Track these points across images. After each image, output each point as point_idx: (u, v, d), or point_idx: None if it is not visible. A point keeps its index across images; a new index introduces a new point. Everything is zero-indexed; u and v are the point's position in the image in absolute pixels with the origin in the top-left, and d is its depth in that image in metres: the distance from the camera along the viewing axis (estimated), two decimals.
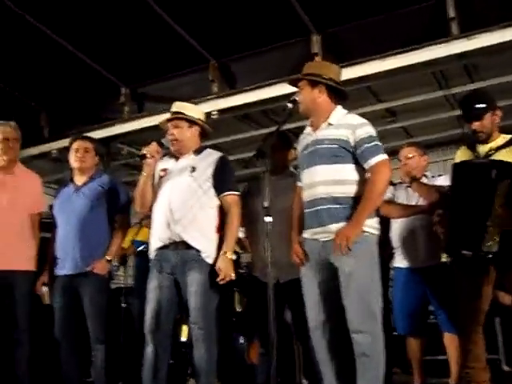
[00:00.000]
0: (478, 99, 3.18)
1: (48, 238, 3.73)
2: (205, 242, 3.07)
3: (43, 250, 3.70)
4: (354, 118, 2.83)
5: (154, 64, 5.05)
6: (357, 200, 2.74)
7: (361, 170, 2.81)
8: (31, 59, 5.01)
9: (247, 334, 5.06)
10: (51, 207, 3.77)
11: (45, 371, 4.03)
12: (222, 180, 3.16)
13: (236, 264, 6.03)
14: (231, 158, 6.55)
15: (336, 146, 2.78)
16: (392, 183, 3.85)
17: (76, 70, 5.12)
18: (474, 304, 3.04)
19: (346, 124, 2.81)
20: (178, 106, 3.32)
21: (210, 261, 3.03)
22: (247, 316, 5.28)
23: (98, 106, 5.60)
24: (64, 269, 3.51)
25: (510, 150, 3.04)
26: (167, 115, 3.57)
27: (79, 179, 3.69)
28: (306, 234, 2.90)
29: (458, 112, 5.44)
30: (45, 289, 3.59)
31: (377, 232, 2.83)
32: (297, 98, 2.84)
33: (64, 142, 5.34)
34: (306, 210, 2.88)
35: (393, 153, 3.95)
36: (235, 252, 5.76)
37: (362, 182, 2.78)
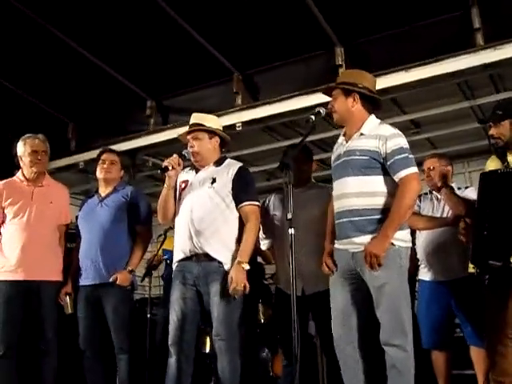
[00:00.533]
0: (501, 106, 3.17)
1: (72, 247, 3.80)
2: (227, 254, 3.08)
3: (67, 260, 3.76)
4: (387, 129, 2.82)
5: (178, 76, 5.10)
6: (385, 212, 2.74)
7: (390, 181, 2.79)
8: (59, 72, 5.10)
9: (271, 345, 5.05)
10: (77, 218, 3.83)
11: (70, 382, 4.06)
12: (241, 190, 3.17)
13: (260, 275, 6.07)
14: (254, 169, 6.57)
15: (367, 157, 2.78)
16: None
17: (102, 82, 5.20)
18: (501, 316, 2.99)
19: (377, 135, 2.80)
20: (196, 118, 3.34)
21: None
22: (271, 328, 5.27)
23: (124, 119, 5.66)
24: (87, 279, 3.57)
25: None
26: None
27: (104, 190, 3.76)
28: (337, 245, 2.91)
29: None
30: (67, 299, 3.64)
31: (406, 244, 2.81)
32: (321, 110, 2.84)
33: (91, 154, 5.42)
34: (336, 221, 2.89)
35: (418, 164, 3.92)
36: (258, 263, 5.79)
37: (392, 194, 2.76)
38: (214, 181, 3.17)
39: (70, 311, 3.62)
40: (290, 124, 5.34)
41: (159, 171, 3.20)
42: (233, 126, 4.94)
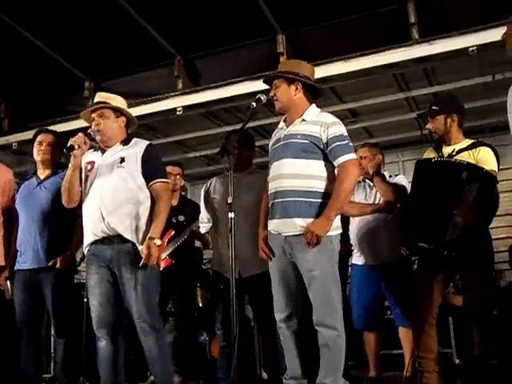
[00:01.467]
0: (436, 101, 3.39)
1: None
2: (140, 234, 3.04)
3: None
4: (328, 117, 2.90)
5: (118, 58, 5.00)
6: (323, 196, 2.81)
7: (330, 166, 2.87)
8: None
9: (209, 329, 5.10)
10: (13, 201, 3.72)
11: (4, 366, 3.97)
12: (151, 168, 3.13)
13: (199, 260, 6.09)
14: (195, 154, 6.59)
15: (307, 141, 2.83)
16: None
17: (39, 62, 5.02)
18: (427, 296, 3.17)
19: (319, 121, 2.86)
20: (102, 97, 3.24)
21: None
22: (209, 311, 5.32)
23: (62, 99, 5.50)
24: (25, 263, 3.49)
25: (471, 152, 3.19)
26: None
27: (42, 172, 3.66)
28: (270, 227, 2.95)
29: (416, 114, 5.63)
30: (8, 283, 3.55)
31: (336, 231, 2.90)
32: (262, 97, 2.89)
33: (25, 135, 5.26)
34: (271, 202, 2.93)
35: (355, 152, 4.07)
36: (197, 248, 5.81)
37: (330, 179, 2.84)
38: (122, 160, 3.09)
39: (10, 296, 3.54)
40: (230, 109, 5.37)
41: (65, 150, 3.06)
42: (173, 110, 4.92)
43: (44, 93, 5.50)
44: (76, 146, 3.01)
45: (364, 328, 3.90)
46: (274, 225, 2.92)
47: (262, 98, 2.90)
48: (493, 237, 3.28)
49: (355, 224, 3.89)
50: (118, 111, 3.20)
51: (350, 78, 4.48)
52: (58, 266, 3.42)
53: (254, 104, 2.85)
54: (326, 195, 2.81)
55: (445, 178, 3.09)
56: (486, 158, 3.16)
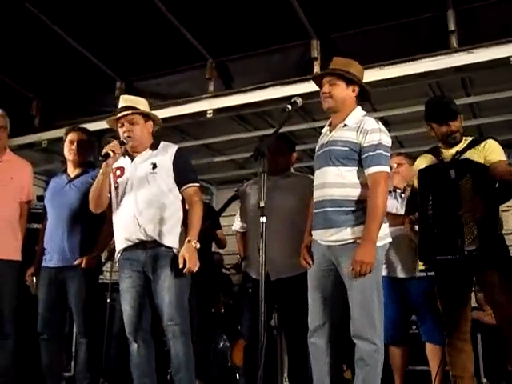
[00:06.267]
0: (448, 101, 3.26)
1: (37, 229, 3.69)
2: (174, 238, 3.06)
3: (32, 240, 3.65)
4: (369, 122, 2.79)
5: (151, 59, 5.00)
6: (361, 203, 2.74)
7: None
8: (26, 46, 4.92)
9: (230, 335, 5.04)
10: (40, 198, 3.73)
11: (27, 364, 3.97)
12: (182, 173, 3.14)
13: (219, 265, 6.04)
14: (222, 158, 6.56)
15: (347, 148, 2.77)
16: None
17: (72, 60, 5.05)
18: (458, 312, 3.07)
19: (360, 127, 2.78)
20: (128, 101, 3.19)
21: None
22: (231, 317, 5.26)
23: (92, 98, 5.51)
24: (52, 261, 3.48)
25: (476, 149, 3.14)
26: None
27: (72, 171, 3.65)
28: (314, 235, 2.90)
29: None
30: (34, 279, 3.55)
31: (383, 241, 2.79)
32: (298, 101, 2.81)
33: (55, 133, 5.29)
34: (315, 211, 2.88)
35: None
36: (216, 253, 5.75)
37: (365, 186, 2.76)
38: (154, 166, 3.10)
39: (35, 292, 3.54)
40: (261, 114, 5.32)
41: (101, 158, 3.01)
42: (203, 113, 4.89)
43: (75, 91, 5.54)
44: (111, 154, 2.98)
45: (390, 343, 3.79)
46: (316, 235, 2.87)
47: (298, 101, 2.82)
48: None
49: None
50: (147, 116, 3.18)
51: (384, 86, 4.40)
52: (83, 265, 3.40)
53: (290, 107, 2.78)
54: (361, 203, 2.75)
55: (439, 184, 3.05)
56: (492, 148, 3.12)
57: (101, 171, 3.06)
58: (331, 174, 2.79)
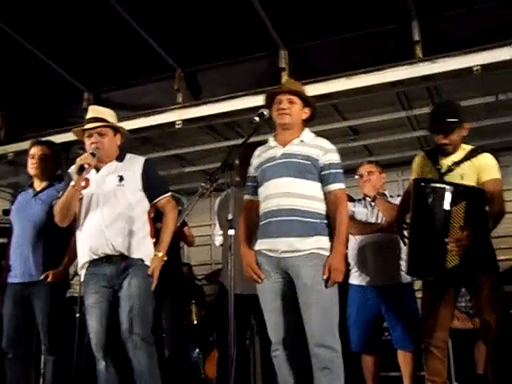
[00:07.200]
0: (451, 113, 3.19)
1: (3, 243, 3.61)
2: (142, 251, 3.03)
3: None
4: (325, 142, 2.94)
5: (118, 70, 4.96)
6: (320, 217, 2.82)
7: (322, 189, 2.88)
8: None
9: (203, 346, 5.01)
10: (5, 212, 3.65)
11: None
12: (153, 185, 3.15)
13: (190, 276, 6.00)
14: (194, 168, 6.53)
15: (308, 162, 2.83)
16: (352, 199, 3.89)
17: (38, 72, 4.97)
18: (436, 319, 3.10)
19: (317, 145, 2.90)
20: (97, 112, 3.16)
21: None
22: (204, 328, 5.22)
23: (60, 110, 5.44)
24: (16, 277, 3.41)
25: (471, 163, 3.12)
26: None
27: (39, 185, 3.60)
28: (262, 246, 2.87)
29: (418, 133, 5.58)
30: None
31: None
32: (265, 112, 2.84)
33: (21, 145, 5.19)
34: (266, 220, 2.86)
35: (354, 170, 4.01)
36: (186, 264, 5.71)
37: (323, 201, 2.85)
38: (121, 178, 3.06)
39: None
40: (230, 124, 5.32)
41: (78, 171, 2.94)
42: (172, 124, 4.87)
43: (42, 103, 5.46)
44: (86, 166, 2.94)
45: (362, 350, 3.80)
46: (267, 244, 2.85)
47: (265, 112, 2.86)
48: None
49: (354, 242, 3.82)
50: (115, 129, 3.16)
51: (352, 95, 4.45)
52: (49, 279, 3.33)
53: (257, 119, 2.80)
54: (322, 216, 2.83)
55: (433, 203, 3.02)
56: (486, 165, 3.11)
57: (72, 183, 2.98)
58: (292, 185, 2.81)
